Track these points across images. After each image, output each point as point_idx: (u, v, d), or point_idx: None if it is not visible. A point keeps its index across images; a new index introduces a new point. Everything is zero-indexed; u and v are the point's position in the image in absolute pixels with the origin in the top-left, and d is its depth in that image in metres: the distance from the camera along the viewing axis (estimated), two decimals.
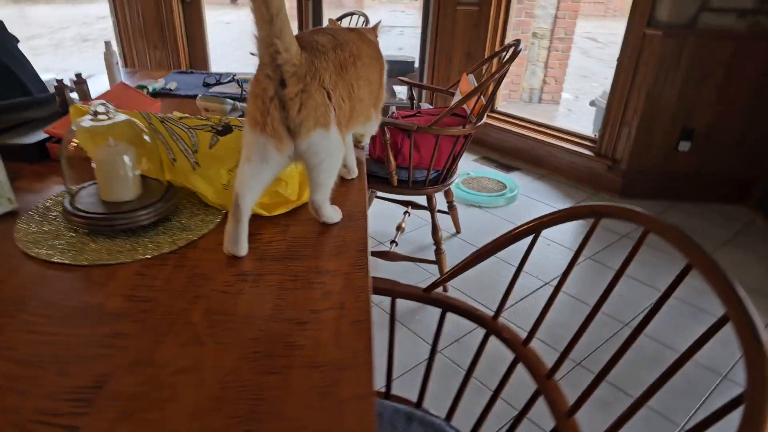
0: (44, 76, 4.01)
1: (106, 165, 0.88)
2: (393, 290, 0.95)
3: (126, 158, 0.88)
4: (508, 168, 3.45)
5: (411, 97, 2.49)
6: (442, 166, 2.08)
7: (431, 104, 3.77)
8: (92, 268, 0.79)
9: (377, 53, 1.09)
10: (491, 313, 0.99)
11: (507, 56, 1.97)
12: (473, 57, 3.53)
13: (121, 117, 0.89)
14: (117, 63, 1.92)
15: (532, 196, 3.10)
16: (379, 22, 1.30)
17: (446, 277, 0.97)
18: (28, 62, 1.84)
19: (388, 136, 1.96)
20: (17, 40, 1.90)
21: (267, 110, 0.78)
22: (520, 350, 0.89)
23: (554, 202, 3.03)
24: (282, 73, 0.77)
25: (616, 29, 2.92)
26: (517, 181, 3.27)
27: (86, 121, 0.87)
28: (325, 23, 3.12)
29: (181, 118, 0.95)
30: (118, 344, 0.64)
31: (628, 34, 2.85)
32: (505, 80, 3.45)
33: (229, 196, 0.95)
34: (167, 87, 1.98)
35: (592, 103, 3.71)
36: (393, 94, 4.45)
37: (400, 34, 9.97)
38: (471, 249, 2.55)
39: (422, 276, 2.33)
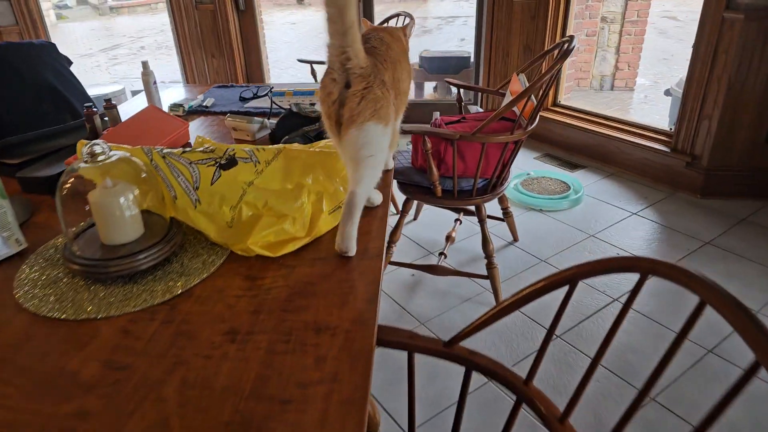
0: (114, 87, 4.19)
1: (100, 207, 0.83)
2: (409, 344, 0.84)
3: (122, 199, 0.83)
4: (572, 166, 3.21)
5: (459, 100, 2.34)
6: (491, 174, 1.93)
7: (480, 107, 3.58)
8: (78, 323, 0.74)
9: (407, 51, 1.19)
10: (522, 375, 0.85)
11: (558, 55, 1.78)
12: (532, 50, 3.30)
13: (117, 155, 0.84)
14: (155, 83, 1.92)
15: (599, 198, 2.85)
16: (411, 21, 1.39)
17: (469, 331, 0.84)
18: (79, 83, 1.88)
19: (429, 145, 1.84)
20: (70, 62, 1.95)
21: (330, 113, 0.88)
22: (556, 428, 0.75)
23: (625, 204, 2.77)
24: (348, 76, 0.86)
25: (698, 6, 2.59)
26: (583, 180, 3.02)
27: (80, 164, 0.82)
28: (377, 22, 3.00)
29: (183, 152, 0.89)
30: (78, 429, 0.57)
31: (704, 19, 2.54)
32: (573, 67, 3.21)
33: (234, 234, 0.88)
34: (204, 104, 1.96)
35: (668, 92, 3.37)
36: (449, 91, 4.29)
37: (464, 24, 9.70)
38: (530, 259, 2.37)
39: (474, 290, 2.19)
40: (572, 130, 3.29)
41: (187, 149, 0.91)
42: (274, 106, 1.84)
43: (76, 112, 1.70)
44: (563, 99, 3.51)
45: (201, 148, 0.91)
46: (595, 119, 3.26)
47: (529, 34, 3.29)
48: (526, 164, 3.27)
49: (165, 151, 0.88)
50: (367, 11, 3.54)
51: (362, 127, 0.87)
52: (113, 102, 1.55)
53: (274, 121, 1.64)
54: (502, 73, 3.46)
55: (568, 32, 3.27)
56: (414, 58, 4.36)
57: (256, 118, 1.65)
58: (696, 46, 2.60)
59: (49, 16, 11.88)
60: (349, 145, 0.89)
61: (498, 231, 2.58)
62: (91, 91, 4.32)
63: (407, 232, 2.62)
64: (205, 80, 3.97)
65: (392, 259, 2.18)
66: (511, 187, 2.91)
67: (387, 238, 2.16)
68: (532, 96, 1.83)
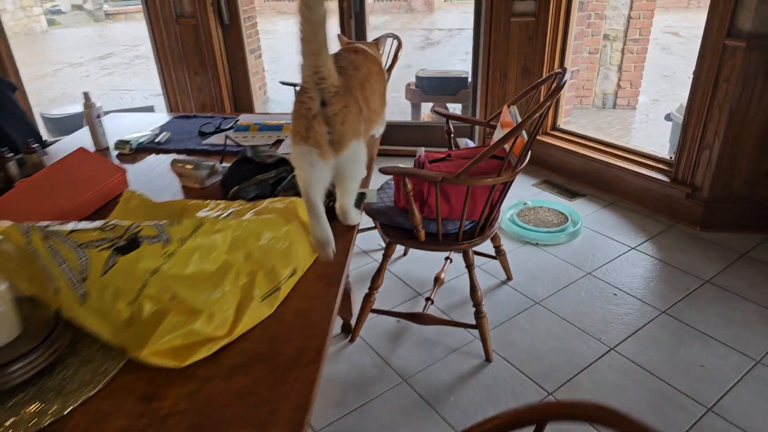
0: (106, 97, 3.99)
1: None
2: None
3: None
4: (571, 194, 3.03)
5: (448, 132, 2.17)
6: (478, 216, 1.75)
7: (472, 140, 3.41)
8: None
9: (380, 67, 1.24)
10: None
11: (549, 90, 1.61)
12: (530, 72, 3.13)
13: None
14: (98, 116, 1.72)
15: (598, 230, 2.66)
16: (382, 37, 1.44)
17: None
18: (22, 113, 1.71)
19: (410, 187, 1.66)
20: (14, 88, 1.78)
21: (311, 126, 0.91)
22: None
23: (624, 237, 2.59)
24: (323, 94, 0.90)
25: (701, 22, 2.41)
26: (583, 210, 2.84)
27: None
28: (370, 39, 2.86)
29: (72, 231, 0.71)
30: None
31: (704, 46, 2.37)
32: (576, 86, 3.04)
33: (135, 335, 0.70)
34: (157, 140, 1.77)
35: (668, 117, 3.20)
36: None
37: (470, 37, 9.55)
38: (523, 301, 2.18)
39: (463, 338, 2.00)
40: (572, 156, 3.11)
41: (80, 226, 0.72)
42: (230, 144, 1.65)
43: (16, 146, 1.53)
44: (563, 123, 3.33)
45: (98, 225, 0.73)
46: (594, 145, 3.08)
47: (527, 55, 3.12)
48: (524, 191, 3.09)
49: (51, 228, 0.70)
50: (359, 29, 3.38)
51: (349, 146, 0.96)
52: (45, 142, 1.37)
53: (227, 165, 1.47)
54: (500, 96, 3.29)
55: (568, 54, 3.10)
56: (411, 77, 4.19)
57: (205, 162, 1.47)
58: (696, 74, 2.43)
59: (40, 21, 11.64)
60: (344, 164, 0.97)
61: (491, 268, 2.40)
62: (62, 110, 4.14)
63: (396, 270, 2.44)
64: (188, 98, 3.80)
65: (375, 306, 2.00)
66: (506, 218, 2.73)
67: (369, 284, 1.99)
68: (524, 132, 1.65)
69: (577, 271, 2.36)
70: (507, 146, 1.73)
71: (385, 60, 2.38)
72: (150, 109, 3.45)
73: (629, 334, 1.99)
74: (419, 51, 8.65)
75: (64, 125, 4.07)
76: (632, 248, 2.51)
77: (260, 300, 0.85)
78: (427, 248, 1.78)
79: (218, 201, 1.11)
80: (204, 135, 1.84)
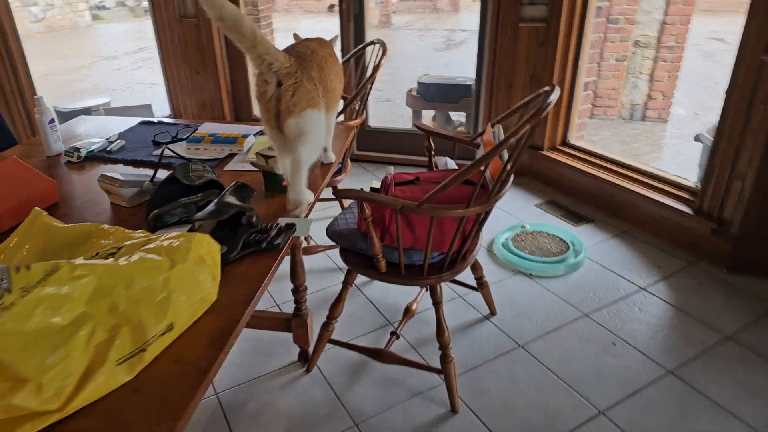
0: (97, 100, 3.96)
1: None
2: None
3: None
4: (577, 218, 2.77)
5: (428, 148, 1.96)
6: (446, 248, 1.54)
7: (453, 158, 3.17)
8: None
9: (335, 54, 1.36)
10: None
11: (532, 112, 1.39)
12: (539, 81, 2.89)
13: None
14: (52, 121, 1.62)
15: (603, 263, 2.40)
16: (336, 36, 1.52)
17: None
18: None
19: (368, 212, 1.47)
20: None
21: (269, 108, 1.09)
22: None
23: (633, 274, 2.32)
24: (278, 76, 1.07)
25: None
26: (588, 238, 2.59)
27: None
28: (368, 38, 2.75)
29: None
30: None
31: (740, 59, 2.08)
32: (601, 95, 2.76)
33: None
34: (109, 148, 1.65)
35: (698, 139, 2.89)
36: (448, 120, 3.89)
37: None
38: (505, 342, 1.96)
39: (428, 382, 1.79)
40: (581, 175, 2.85)
41: None
42: (173, 156, 1.51)
43: None
44: (574, 137, 3.07)
45: None
46: (607, 165, 2.81)
47: (536, 63, 2.88)
48: (524, 212, 2.85)
49: None
50: (359, 31, 3.20)
51: (301, 114, 1.10)
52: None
53: (159, 179, 1.32)
54: (505, 106, 3.06)
55: (582, 62, 2.84)
56: (412, 83, 3.98)
57: (133, 179, 1.32)
58: (729, 92, 2.15)
59: (84, 16, 12.00)
60: (290, 131, 1.11)
61: (474, 300, 2.18)
62: (73, 104, 4.13)
63: (370, 292, 2.25)
64: (189, 97, 3.71)
65: (333, 336, 1.82)
66: (499, 242, 2.51)
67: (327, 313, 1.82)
68: (505, 155, 1.44)
69: (572, 310, 2.12)
70: (490, 175, 1.52)
71: (369, 66, 2.22)
72: (148, 108, 3.36)
73: (625, 396, 1.72)
74: (439, 53, 8.41)
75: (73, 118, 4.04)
76: (642, 289, 2.24)
77: (116, 363, 0.73)
78: (388, 280, 1.59)
79: (126, 229, 1.00)
80: (158, 145, 1.71)
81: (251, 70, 3.76)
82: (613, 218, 2.75)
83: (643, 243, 2.56)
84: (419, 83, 3.71)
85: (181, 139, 1.73)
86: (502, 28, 2.86)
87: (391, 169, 1.79)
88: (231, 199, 1.14)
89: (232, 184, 1.23)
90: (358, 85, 2.16)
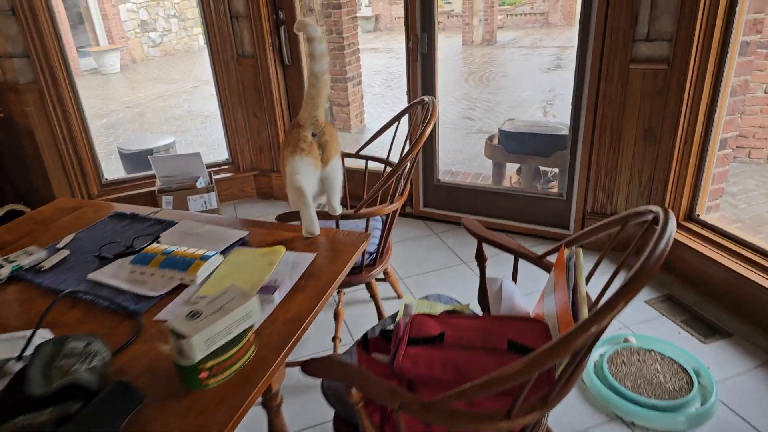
0: (163, 140, 3.82)
1: None
2: None
3: None
4: (708, 329, 2.01)
5: (481, 259, 1.38)
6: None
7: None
8: None
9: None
10: None
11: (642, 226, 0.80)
12: (657, 136, 2.18)
13: None
14: None
15: (743, 413, 1.65)
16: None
17: None
18: None
19: (356, 398, 0.95)
20: None
21: (309, 144, 1.33)
22: None
23: None
24: (315, 129, 1.35)
25: None
26: (722, 364, 1.84)
27: None
28: (440, 84, 2.33)
29: None
30: None
31: None
32: (744, 131, 1.92)
33: None
34: (41, 265, 1.29)
35: None
36: (537, 175, 3.21)
37: None
38: None
39: None
40: (714, 267, 2.09)
41: None
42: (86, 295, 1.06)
43: None
44: (704, 211, 2.30)
45: None
46: (751, 255, 2.03)
47: (653, 114, 2.18)
48: (630, 311, 2.14)
49: None
50: (427, 74, 2.68)
51: (331, 161, 1.38)
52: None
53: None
54: (610, 166, 2.37)
55: (719, 114, 2.09)
56: (510, 111, 3.34)
57: None
58: None
59: (198, 40, 12.57)
60: (331, 170, 1.39)
61: None
62: (136, 146, 4.00)
63: None
64: (246, 140, 3.42)
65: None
66: (591, 362, 1.85)
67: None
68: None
69: None
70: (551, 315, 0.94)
71: (414, 128, 1.73)
72: (197, 156, 3.12)
73: None
74: (545, 73, 7.60)
75: (136, 161, 3.95)
76: None
77: None
78: None
79: None
80: (103, 261, 1.32)
81: (350, 98, 3.39)
82: (761, 332, 1.96)
83: None
84: (501, 131, 3.09)
85: (132, 252, 1.32)
86: (607, 69, 2.19)
87: (412, 308, 1.26)
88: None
89: (110, 385, 0.79)
90: (401, 157, 1.65)
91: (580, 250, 1.15)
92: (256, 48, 3.10)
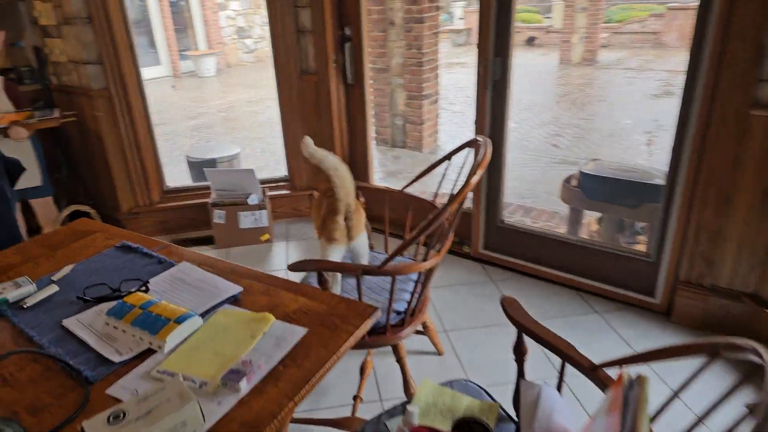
0: (229, 151, 3.77)
1: None
2: None
3: None
4: None
5: (520, 354, 1.06)
6: None
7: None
8: None
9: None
10: None
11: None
12: None
13: None
14: None
15: None
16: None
17: None
18: None
19: None
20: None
21: (342, 233, 1.62)
22: None
23: None
24: (347, 214, 1.61)
25: None
26: None
27: None
28: (525, 106, 2.34)
29: None
30: None
31: None
32: None
33: None
34: (22, 299, 1.17)
35: None
36: (620, 227, 2.75)
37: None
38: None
39: None
40: None
41: None
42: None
43: None
44: None
45: None
46: None
47: None
48: (723, 418, 1.68)
49: None
50: (498, 102, 2.36)
51: (358, 237, 1.66)
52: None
53: None
54: (712, 229, 1.93)
55: None
56: (603, 143, 2.91)
57: None
58: None
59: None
60: (360, 243, 1.68)
61: None
62: (202, 155, 4.01)
63: None
64: (304, 159, 3.25)
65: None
66: None
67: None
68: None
69: None
70: None
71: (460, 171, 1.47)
72: (250, 172, 3.00)
73: None
74: (650, 100, 6.89)
75: (200, 170, 3.95)
76: None
77: None
78: None
79: None
80: (86, 303, 1.17)
81: (424, 116, 3.18)
82: None
83: None
84: (582, 173, 2.67)
85: (115, 297, 1.16)
86: (719, 114, 1.77)
87: (415, 416, 0.97)
88: None
89: None
90: (441, 209, 1.36)
91: (647, 380, 0.81)
92: (319, 64, 2.93)
